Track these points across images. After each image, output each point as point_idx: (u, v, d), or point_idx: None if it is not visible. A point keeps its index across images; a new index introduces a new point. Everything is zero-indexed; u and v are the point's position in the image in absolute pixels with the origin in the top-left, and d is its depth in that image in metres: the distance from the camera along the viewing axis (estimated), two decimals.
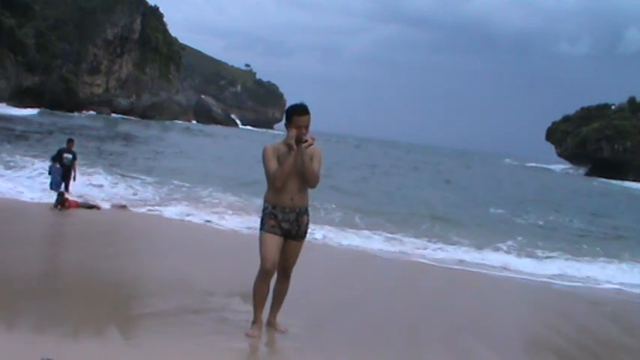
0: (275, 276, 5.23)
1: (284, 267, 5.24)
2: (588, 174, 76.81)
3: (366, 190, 23.33)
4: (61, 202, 11.44)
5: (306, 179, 5.03)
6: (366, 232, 12.62)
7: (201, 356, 4.65)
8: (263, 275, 5.09)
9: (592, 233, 18.09)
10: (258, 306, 5.18)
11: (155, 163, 24.61)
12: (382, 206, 18.01)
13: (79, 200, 12.04)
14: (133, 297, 6.28)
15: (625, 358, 6.24)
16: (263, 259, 5.07)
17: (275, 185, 5.02)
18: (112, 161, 21.87)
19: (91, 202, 12.13)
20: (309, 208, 5.27)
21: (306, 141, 4.97)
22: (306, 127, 5.01)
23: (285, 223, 5.07)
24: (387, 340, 5.82)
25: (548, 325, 7.19)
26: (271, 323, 5.39)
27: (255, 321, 5.20)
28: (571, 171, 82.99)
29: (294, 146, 4.95)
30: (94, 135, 37.20)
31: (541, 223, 19.21)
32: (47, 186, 13.14)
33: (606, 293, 9.70)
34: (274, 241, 5.06)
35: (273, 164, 5.02)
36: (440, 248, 11.88)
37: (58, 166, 13.39)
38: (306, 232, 5.24)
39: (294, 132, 4.97)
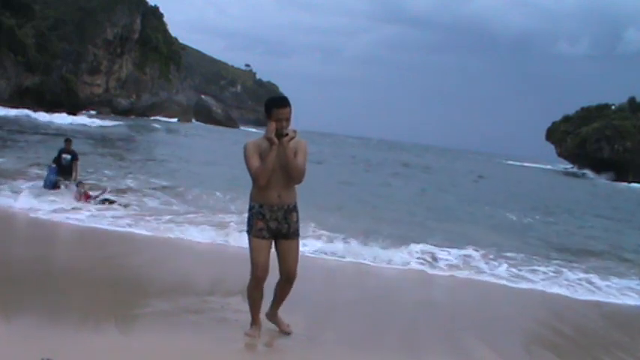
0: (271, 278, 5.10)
1: (286, 271, 5.02)
2: (617, 179, 68.08)
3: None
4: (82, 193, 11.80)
5: (291, 175, 4.80)
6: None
7: (201, 356, 4.66)
8: (254, 282, 4.93)
9: None
10: (254, 310, 5.08)
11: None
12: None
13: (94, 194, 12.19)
14: (133, 297, 6.29)
15: (624, 356, 6.25)
16: (253, 265, 4.90)
17: (259, 183, 4.78)
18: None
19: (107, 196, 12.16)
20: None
21: (286, 134, 4.73)
22: (287, 119, 4.77)
23: (273, 222, 4.86)
24: (387, 339, 5.83)
25: (548, 325, 7.21)
26: (274, 317, 5.27)
27: (254, 322, 5.12)
28: (596, 176, 71.85)
29: (275, 140, 4.71)
30: None
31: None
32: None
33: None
34: (263, 246, 4.87)
35: (255, 161, 4.77)
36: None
37: (53, 165, 13.46)
38: (297, 230, 5.01)
39: (273, 125, 4.72)
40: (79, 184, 12.27)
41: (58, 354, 4.09)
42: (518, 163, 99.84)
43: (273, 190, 4.80)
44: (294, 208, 4.95)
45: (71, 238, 9.63)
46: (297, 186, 5.00)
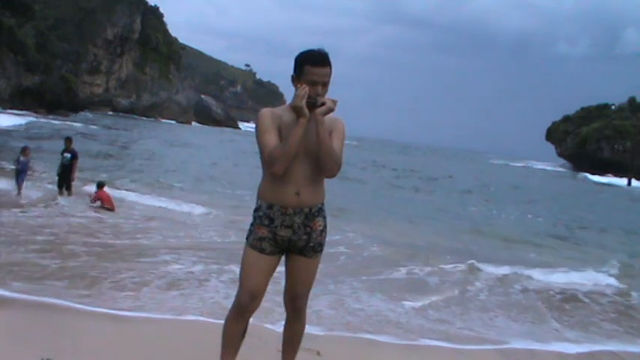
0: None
1: (292, 296, 3.46)
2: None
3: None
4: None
5: (322, 163, 3.23)
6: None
7: (201, 356, 4.65)
8: (236, 310, 3.39)
9: None
10: (226, 351, 3.45)
11: None
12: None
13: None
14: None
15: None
16: (240, 286, 3.37)
17: (273, 170, 3.21)
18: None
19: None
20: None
21: (323, 104, 3.20)
22: (324, 84, 3.25)
23: (286, 230, 3.29)
24: (387, 339, 5.83)
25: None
26: None
27: None
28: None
29: (306, 112, 3.17)
30: None
31: None
32: None
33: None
34: (259, 263, 3.32)
35: (271, 138, 3.22)
36: None
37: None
38: (322, 245, 3.41)
39: (305, 89, 3.18)
40: (101, 185, 12.18)
41: (58, 354, 4.08)
42: (521, 164, 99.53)
43: (290, 185, 3.25)
44: (320, 212, 3.38)
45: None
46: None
